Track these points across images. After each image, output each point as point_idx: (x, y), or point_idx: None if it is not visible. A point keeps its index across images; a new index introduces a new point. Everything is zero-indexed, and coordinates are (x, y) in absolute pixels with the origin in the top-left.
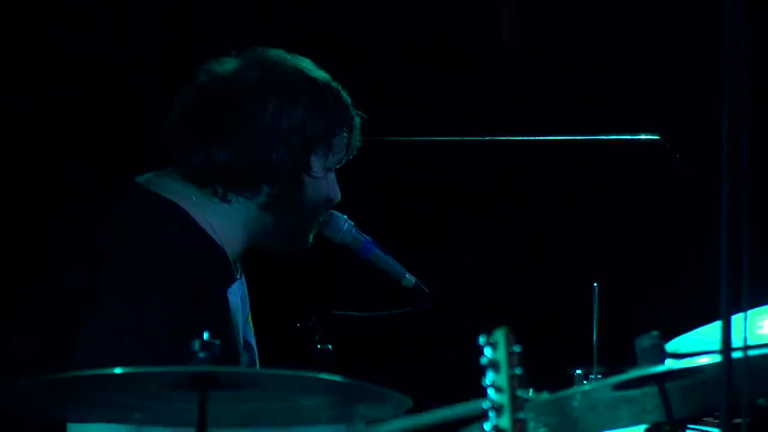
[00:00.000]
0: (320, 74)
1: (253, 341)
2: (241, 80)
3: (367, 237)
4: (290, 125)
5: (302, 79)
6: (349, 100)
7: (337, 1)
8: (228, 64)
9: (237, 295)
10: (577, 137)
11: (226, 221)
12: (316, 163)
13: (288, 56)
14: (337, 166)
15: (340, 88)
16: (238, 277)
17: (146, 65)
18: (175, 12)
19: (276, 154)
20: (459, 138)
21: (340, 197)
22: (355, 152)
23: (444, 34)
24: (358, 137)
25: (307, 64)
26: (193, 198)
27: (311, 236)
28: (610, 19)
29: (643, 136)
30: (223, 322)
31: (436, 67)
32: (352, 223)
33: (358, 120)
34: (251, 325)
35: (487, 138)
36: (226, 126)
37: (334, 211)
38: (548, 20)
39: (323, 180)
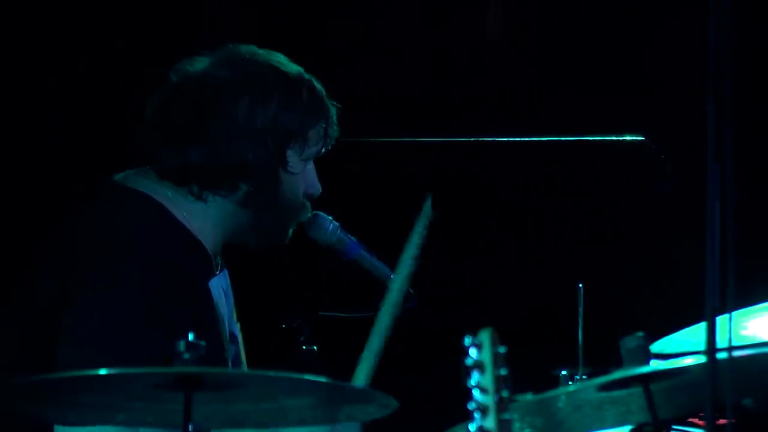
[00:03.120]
0: (292, 68)
1: (238, 334)
2: (212, 79)
3: (353, 237)
4: (264, 122)
5: (274, 75)
6: (323, 92)
7: (327, 2)
8: (199, 64)
9: (219, 288)
10: (562, 138)
11: (202, 218)
12: (293, 158)
13: (260, 52)
14: (317, 156)
15: (313, 80)
16: (218, 271)
17: (126, 61)
18: (158, 8)
19: (252, 153)
20: (443, 139)
21: (320, 190)
22: (333, 142)
23: (430, 35)
24: (335, 128)
25: (279, 59)
26: (169, 194)
27: (290, 232)
28: (594, 20)
29: (627, 137)
30: (206, 314)
31: (420, 68)
32: (338, 224)
33: (333, 111)
34: (236, 319)
35: (471, 139)
36: (199, 126)
37: (319, 212)
38: (533, 21)
39: (301, 175)
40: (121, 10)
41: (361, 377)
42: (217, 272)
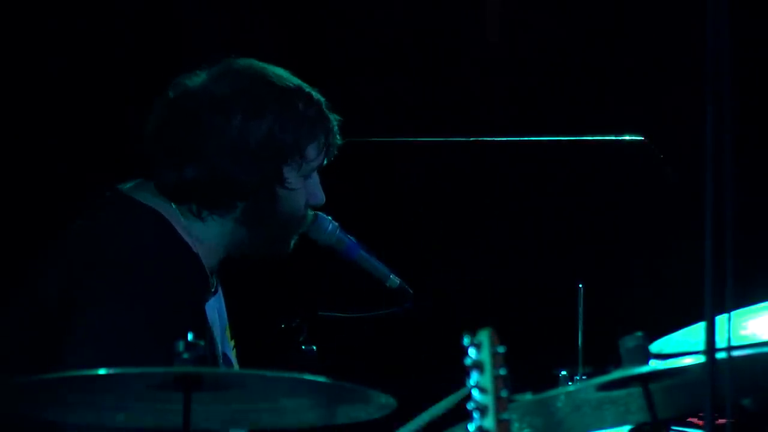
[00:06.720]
0: (290, 82)
1: (231, 355)
2: (206, 95)
3: (352, 238)
4: (257, 139)
5: (268, 90)
6: (323, 102)
7: (326, 4)
8: (196, 79)
9: (214, 309)
10: (561, 138)
11: (202, 234)
12: (290, 174)
13: (257, 66)
14: (318, 168)
15: (312, 93)
16: (213, 290)
17: (132, 69)
18: (165, 16)
19: (245, 171)
20: (443, 139)
21: (323, 200)
22: (335, 153)
23: (429, 36)
24: (337, 138)
25: (277, 72)
26: (172, 209)
27: (292, 243)
28: (593, 20)
29: (627, 137)
30: (201, 330)
31: (420, 69)
32: (337, 224)
33: (334, 122)
34: (230, 339)
35: (471, 139)
36: (193, 143)
37: (319, 213)
38: (532, 22)
39: (300, 190)
40: (125, 18)
41: None
42: (213, 290)
